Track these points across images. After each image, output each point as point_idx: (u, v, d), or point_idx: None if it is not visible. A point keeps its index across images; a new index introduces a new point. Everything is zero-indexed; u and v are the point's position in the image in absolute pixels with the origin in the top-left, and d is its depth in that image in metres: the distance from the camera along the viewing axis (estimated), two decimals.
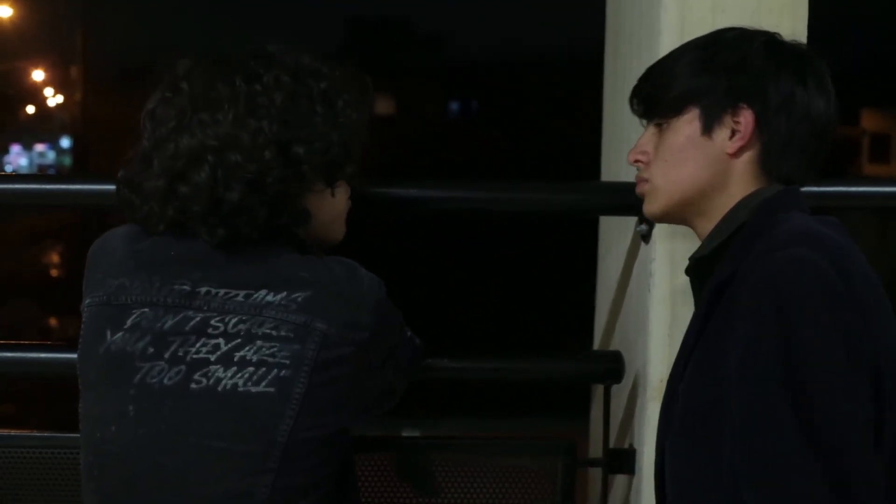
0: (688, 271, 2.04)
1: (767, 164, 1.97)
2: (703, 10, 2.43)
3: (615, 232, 2.80)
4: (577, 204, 2.68)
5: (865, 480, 1.71)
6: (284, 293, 1.94)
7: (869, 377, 1.76)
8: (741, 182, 1.97)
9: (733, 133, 1.96)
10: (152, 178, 2.00)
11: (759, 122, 1.95)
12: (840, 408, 1.72)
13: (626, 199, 2.55)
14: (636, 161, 2.07)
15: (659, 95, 2.01)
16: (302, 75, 2.04)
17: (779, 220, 1.90)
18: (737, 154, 1.96)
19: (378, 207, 2.48)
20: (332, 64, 2.09)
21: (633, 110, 2.09)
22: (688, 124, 1.98)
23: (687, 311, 2.46)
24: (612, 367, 2.62)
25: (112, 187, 2.11)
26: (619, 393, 2.66)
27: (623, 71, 2.78)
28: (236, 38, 2.18)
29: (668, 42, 2.43)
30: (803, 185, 2.00)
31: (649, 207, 2.06)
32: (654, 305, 2.47)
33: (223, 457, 1.91)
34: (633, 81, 2.68)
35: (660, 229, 2.46)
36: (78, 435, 2.03)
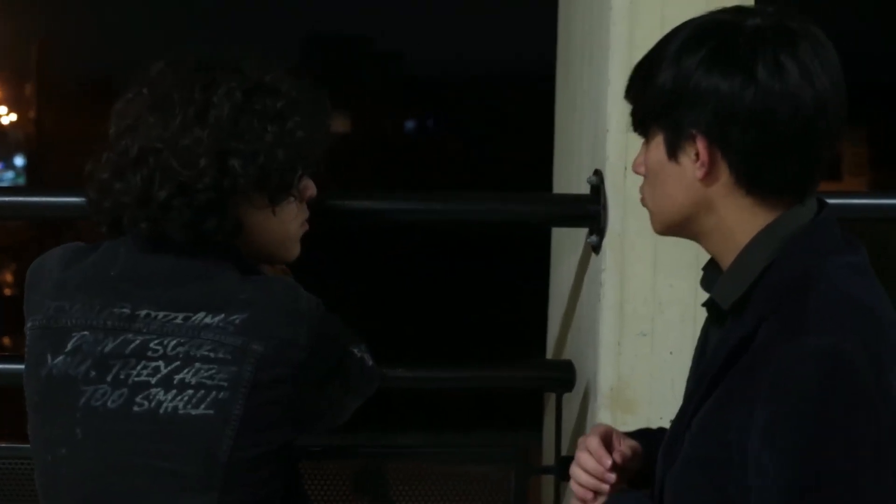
0: (705, 304, 1.88)
1: (744, 183, 1.76)
2: (651, 25, 2.47)
3: (567, 243, 2.84)
4: (529, 215, 2.72)
5: None
6: (222, 315, 1.96)
7: (894, 473, 1.67)
8: (727, 203, 1.78)
9: (698, 156, 1.75)
10: (101, 171, 2.03)
11: (714, 145, 1.74)
12: None
13: (577, 211, 2.60)
14: (636, 171, 1.90)
15: (633, 111, 1.84)
16: (259, 92, 2.05)
17: (810, 275, 1.73)
18: (707, 180, 1.76)
19: (332, 219, 2.50)
20: (296, 83, 2.10)
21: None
22: (656, 147, 1.81)
23: (636, 320, 2.50)
24: (564, 375, 2.66)
25: (66, 200, 2.14)
26: (571, 401, 2.69)
27: (574, 85, 2.83)
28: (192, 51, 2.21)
29: (617, 56, 2.47)
30: (812, 190, 1.80)
31: (651, 224, 1.90)
32: (604, 315, 2.51)
33: (169, 477, 1.94)
34: (583, 94, 2.73)
35: (610, 240, 2.50)
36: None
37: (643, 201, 1.91)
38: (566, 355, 2.81)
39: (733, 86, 1.72)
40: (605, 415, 2.49)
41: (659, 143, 1.80)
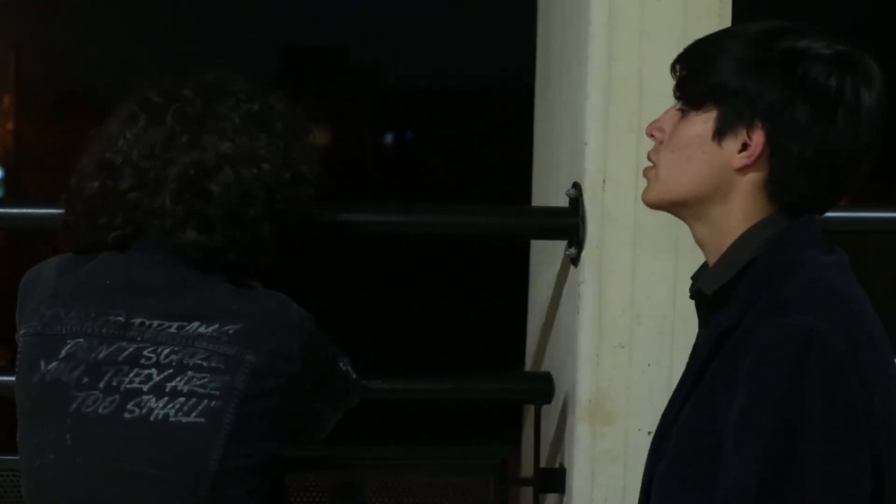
0: (693, 297, 1.94)
1: (772, 188, 1.83)
2: (629, 39, 2.48)
3: (546, 255, 2.85)
4: (508, 228, 2.73)
5: None
6: (216, 325, 1.98)
7: (868, 452, 1.73)
8: (744, 199, 1.84)
9: (743, 147, 1.81)
10: (124, 186, 2.04)
11: (771, 146, 1.81)
12: (835, 484, 1.70)
13: (556, 223, 2.61)
14: (651, 135, 1.92)
15: (687, 80, 1.87)
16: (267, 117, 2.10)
17: (791, 265, 1.80)
18: (742, 171, 1.82)
19: (310, 231, 2.51)
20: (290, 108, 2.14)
21: (672, 76, 1.92)
22: (702, 123, 1.84)
23: (615, 332, 2.51)
24: (543, 387, 2.67)
25: (45, 212, 2.15)
26: (550, 413, 2.70)
27: (552, 98, 2.84)
28: (171, 67, 2.22)
29: (596, 68, 2.48)
30: (820, 213, 1.87)
31: (645, 195, 1.92)
32: (582, 327, 2.52)
33: (157, 485, 1.95)
34: (561, 107, 2.74)
35: (588, 252, 2.51)
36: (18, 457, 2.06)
37: (648, 170, 1.92)
38: (545, 367, 2.82)
39: (813, 108, 1.79)
40: (583, 427, 2.50)
41: (709, 118, 1.83)
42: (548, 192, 2.86)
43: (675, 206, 1.90)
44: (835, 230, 2.70)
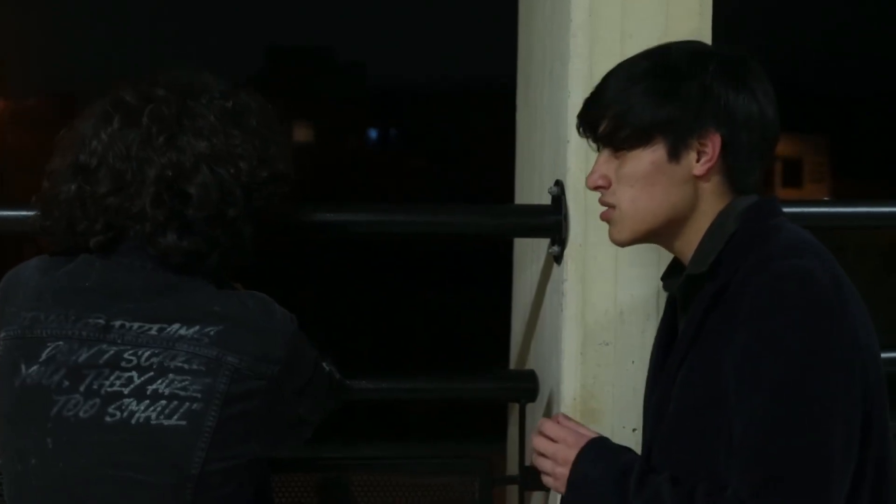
0: (678, 288, 2.06)
1: (734, 179, 2.01)
2: (611, 38, 2.49)
3: (529, 253, 2.85)
4: (491, 226, 2.73)
5: (840, 479, 1.84)
6: (197, 327, 1.97)
7: (859, 379, 1.87)
8: (711, 199, 2.02)
9: (700, 155, 1.99)
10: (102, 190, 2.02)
11: (725, 143, 1.98)
12: (827, 409, 1.84)
13: (539, 221, 2.61)
14: (597, 187, 2.06)
15: (616, 127, 2.01)
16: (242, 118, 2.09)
17: (770, 228, 1.97)
18: (704, 175, 2.00)
19: (293, 232, 2.51)
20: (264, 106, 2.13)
21: (581, 134, 2.09)
22: (651, 152, 2.00)
23: (598, 329, 2.52)
24: (528, 385, 2.67)
25: (30, 214, 2.13)
26: (535, 411, 2.70)
27: (534, 97, 2.84)
28: (154, 65, 2.21)
29: (577, 68, 2.49)
30: (764, 190, 2.06)
31: (617, 235, 2.07)
32: (566, 324, 2.52)
33: (139, 489, 1.95)
34: (544, 106, 2.74)
35: (571, 250, 2.51)
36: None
37: (607, 213, 2.06)
38: (529, 365, 2.82)
39: (743, 99, 1.99)
40: None
41: (657, 147, 1.99)
42: (531, 191, 2.86)
43: (652, 234, 2.04)
44: (819, 226, 2.72)
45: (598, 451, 2.02)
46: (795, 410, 1.82)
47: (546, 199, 2.59)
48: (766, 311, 1.86)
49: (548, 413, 2.63)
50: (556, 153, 2.59)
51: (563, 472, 2.03)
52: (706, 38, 2.50)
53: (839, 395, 1.85)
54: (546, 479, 2.09)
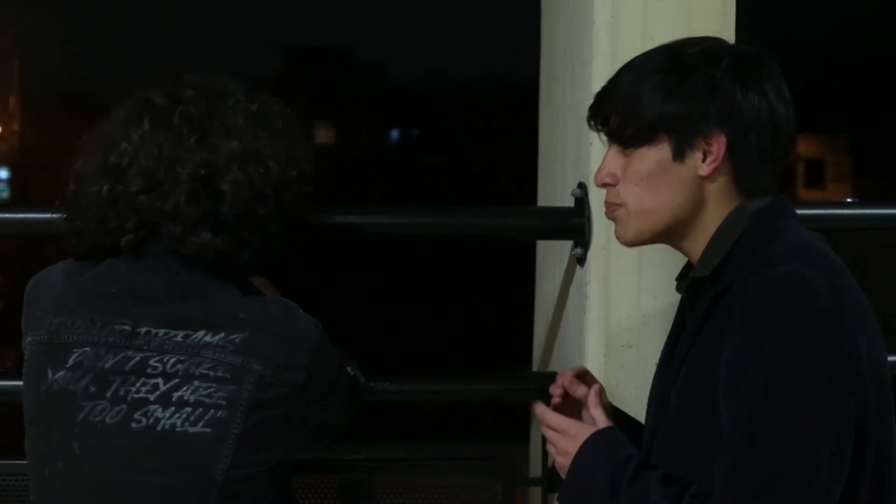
0: (686, 289, 2.05)
1: (742, 181, 1.98)
2: (633, 38, 2.49)
3: (552, 255, 2.85)
4: (514, 228, 2.73)
5: (827, 487, 1.80)
6: (222, 334, 1.97)
7: (853, 391, 1.83)
8: (718, 200, 1.98)
9: (705, 155, 1.96)
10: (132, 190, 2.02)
11: (731, 143, 1.95)
12: (810, 417, 1.80)
13: (562, 223, 2.61)
14: (604, 184, 2.04)
15: (624, 123, 1.99)
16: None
17: (776, 231, 1.94)
18: (710, 176, 1.97)
19: (315, 234, 2.51)
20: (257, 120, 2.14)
21: (592, 128, 2.07)
22: (657, 150, 1.97)
23: (621, 332, 2.51)
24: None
25: (51, 216, 2.13)
26: None
27: (557, 97, 2.84)
28: (175, 69, 2.21)
29: (599, 68, 2.48)
30: (777, 191, 2.01)
31: (622, 234, 2.05)
32: (589, 327, 2.52)
33: (164, 494, 1.95)
34: (566, 107, 2.74)
35: (594, 252, 2.51)
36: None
37: (614, 210, 2.04)
38: (552, 367, 2.82)
39: (752, 97, 1.95)
40: None
41: (662, 146, 1.96)
42: (553, 192, 2.86)
43: (656, 232, 2.02)
44: (838, 228, 2.71)
45: (599, 444, 2.00)
46: (775, 418, 1.79)
47: (569, 200, 2.59)
48: (755, 317, 1.83)
49: None
50: (579, 154, 2.59)
51: (564, 462, 2.03)
52: (729, 38, 2.49)
53: (825, 403, 1.81)
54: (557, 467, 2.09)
